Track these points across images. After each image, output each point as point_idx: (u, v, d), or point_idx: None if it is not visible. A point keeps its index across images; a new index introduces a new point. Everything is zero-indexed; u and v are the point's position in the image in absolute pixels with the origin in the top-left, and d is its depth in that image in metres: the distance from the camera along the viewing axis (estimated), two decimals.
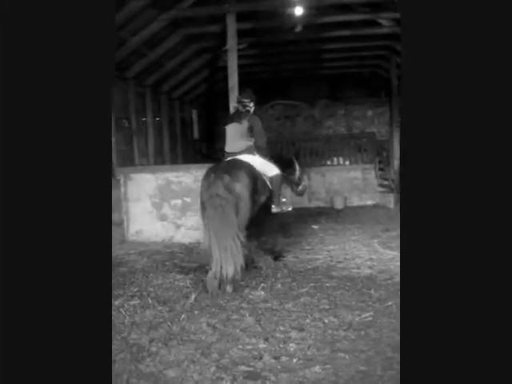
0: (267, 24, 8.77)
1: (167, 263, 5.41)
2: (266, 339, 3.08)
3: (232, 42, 6.92)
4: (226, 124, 5.18)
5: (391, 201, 10.54)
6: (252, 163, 4.79)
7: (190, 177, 6.89)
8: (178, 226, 6.88)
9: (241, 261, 4.07)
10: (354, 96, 13.68)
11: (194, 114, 13.19)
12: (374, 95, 13.51)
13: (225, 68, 7.75)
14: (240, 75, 6.98)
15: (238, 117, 5.05)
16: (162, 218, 6.91)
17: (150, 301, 3.90)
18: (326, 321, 3.40)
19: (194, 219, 6.81)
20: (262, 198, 4.78)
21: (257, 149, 5.03)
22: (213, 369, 2.66)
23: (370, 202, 11.54)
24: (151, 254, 5.91)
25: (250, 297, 4.02)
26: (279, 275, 4.70)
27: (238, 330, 3.25)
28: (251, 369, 2.67)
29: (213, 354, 2.86)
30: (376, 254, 5.68)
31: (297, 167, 6.14)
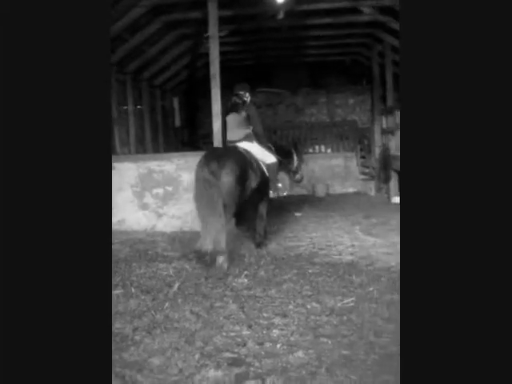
0: (249, 11, 8.69)
1: (150, 252, 5.39)
2: (250, 326, 3.11)
3: (213, 29, 6.84)
4: (225, 115, 5.65)
5: (372, 188, 10.66)
6: (249, 150, 5.22)
7: (172, 165, 6.84)
8: (160, 215, 6.84)
9: (223, 237, 4.45)
10: (336, 84, 13.69)
11: (176, 102, 13.05)
12: (355, 83, 13.54)
13: (206, 55, 7.67)
14: (221, 62, 6.90)
15: (235, 108, 5.49)
16: (144, 207, 6.86)
17: (133, 290, 3.88)
18: (309, 307, 3.45)
19: (175, 208, 6.79)
20: (253, 183, 5.06)
21: (256, 136, 5.48)
22: (197, 356, 2.67)
23: (351, 190, 11.65)
24: (133, 244, 5.88)
25: (234, 284, 4.04)
26: (262, 262, 4.73)
27: (221, 318, 3.26)
28: (235, 355, 2.69)
29: (197, 341, 2.88)
30: (357, 241, 5.75)
31: (295, 157, 6.61)
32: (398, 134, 9.15)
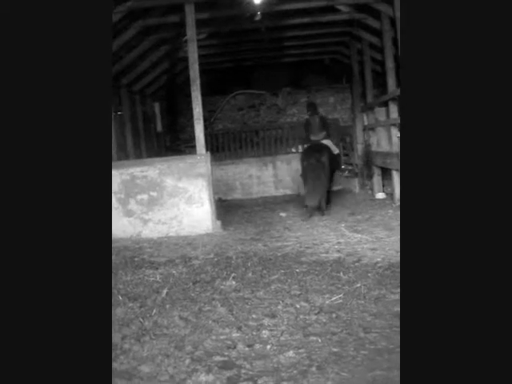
0: (226, 13, 8.69)
1: (136, 259, 5.34)
2: (239, 328, 3.09)
3: (191, 33, 6.83)
4: (308, 124, 8.56)
5: (356, 185, 10.72)
6: (328, 144, 8.18)
7: (155, 171, 6.80)
8: (145, 222, 6.79)
9: (324, 196, 7.57)
10: (316, 83, 13.75)
11: (156, 107, 12.98)
12: (335, 82, 13.61)
13: (185, 59, 7.65)
14: (201, 66, 6.90)
15: (313, 118, 8.51)
16: (129, 213, 6.80)
17: (120, 298, 3.84)
18: (298, 306, 3.45)
19: (161, 213, 6.74)
20: (331, 164, 7.92)
21: (328, 135, 8.50)
22: (187, 361, 2.65)
23: (335, 188, 11.68)
24: (119, 251, 5.82)
25: (222, 287, 4.02)
26: (249, 264, 4.72)
27: (210, 321, 3.24)
28: (226, 358, 2.68)
29: (186, 346, 2.85)
30: (343, 238, 5.77)
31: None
32: (378, 130, 9.22)
